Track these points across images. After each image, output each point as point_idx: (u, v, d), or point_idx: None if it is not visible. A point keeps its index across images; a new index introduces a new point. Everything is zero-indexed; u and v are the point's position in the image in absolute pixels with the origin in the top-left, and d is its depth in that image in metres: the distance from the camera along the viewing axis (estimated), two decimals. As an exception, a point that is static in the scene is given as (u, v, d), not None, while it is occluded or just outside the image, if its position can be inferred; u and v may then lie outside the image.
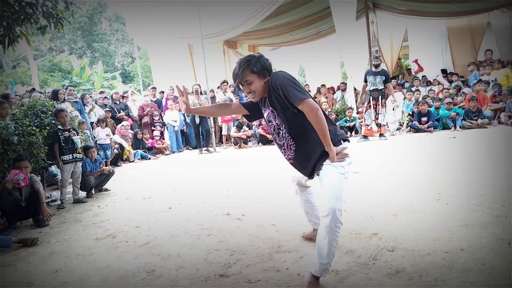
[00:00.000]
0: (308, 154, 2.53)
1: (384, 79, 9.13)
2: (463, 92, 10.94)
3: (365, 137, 9.47)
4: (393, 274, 2.49)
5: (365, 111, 9.48)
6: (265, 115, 2.62)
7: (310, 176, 2.64)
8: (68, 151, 5.66)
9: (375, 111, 9.27)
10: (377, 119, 9.29)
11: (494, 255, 2.60)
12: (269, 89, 2.48)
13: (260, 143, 10.82)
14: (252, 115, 2.81)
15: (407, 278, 2.43)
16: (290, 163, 2.69)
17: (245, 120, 11.07)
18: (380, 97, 9.19)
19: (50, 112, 5.90)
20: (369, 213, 3.73)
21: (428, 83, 13.10)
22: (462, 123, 9.60)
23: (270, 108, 2.55)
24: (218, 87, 12.14)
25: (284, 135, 2.57)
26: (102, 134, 8.95)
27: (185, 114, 11.26)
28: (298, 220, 3.46)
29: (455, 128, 9.55)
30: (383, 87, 9.14)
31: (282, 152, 2.68)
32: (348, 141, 2.61)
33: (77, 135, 5.75)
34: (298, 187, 2.99)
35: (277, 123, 2.57)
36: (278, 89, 2.39)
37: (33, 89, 12.81)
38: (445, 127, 9.87)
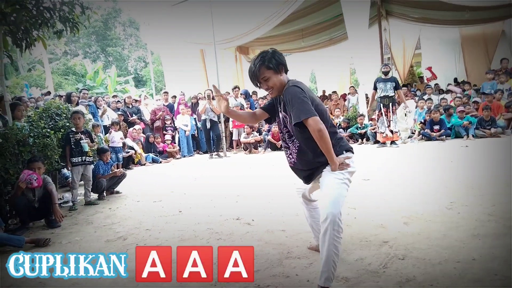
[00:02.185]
0: (309, 162, 2.57)
1: (394, 85, 9.14)
2: (474, 101, 10.80)
3: (384, 143, 9.44)
4: (404, 283, 2.48)
5: (378, 119, 9.46)
6: (280, 115, 2.66)
7: (307, 181, 2.70)
8: (77, 153, 5.73)
9: (387, 118, 9.24)
10: (390, 125, 9.26)
11: (506, 265, 2.57)
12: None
13: (269, 148, 10.82)
14: (272, 116, 2.83)
15: (418, 287, 2.42)
16: (290, 166, 2.73)
17: (255, 125, 11.10)
18: (390, 104, 9.18)
19: (65, 115, 6.00)
20: (380, 221, 3.71)
21: (441, 91, 13.00)
22: (475, 132, 9.49)
23: (283, 113, 2.59)
24: (229, 93, 12.19)
25: (291, 140, 2.63)
26: (117, 137, 9.05)
27: (196, 119, 11.32)
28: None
29: (468, 136, 9.45)
30: (393, 93, 9.14)
31: (286, 154, 2.72)
32: (352, 152, 2.61)
33: (85, 140, 5.77)
34: (303, 200, 2.99)
35: (287, 129, 2.62)
36: (288, 104, 2.44)
37: (49, 92, 13.02)
38: (458, 135, 9.77)
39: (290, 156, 2.66)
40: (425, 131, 10.00)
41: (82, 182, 5.98)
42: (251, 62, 2.57)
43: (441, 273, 2.56)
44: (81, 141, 5.72)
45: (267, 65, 2.46)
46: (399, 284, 2.47)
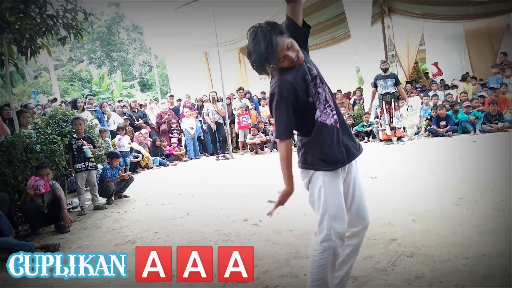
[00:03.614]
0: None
1: (394, 81, 9.17)
2: (481, 95, 10.73)
3: (390, 140, 9.41)
4: (413, 280, 2.47)
5: (380, 116, 9.47)
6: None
7: (351, 157, 2.19)
8: (80, 159, 5.76)
9: (389, 114, 9.25)
10: (392, 122, 9.26)
11: (516, 261, 2.55)
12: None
13: (275, 149, 10.81)
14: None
15: (427, 284, 2.41)
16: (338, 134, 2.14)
17: (260, 126, 11.11)
18: (392, 100, 9.19)
19: (71, 121, 6.05)
20: (387, 219, 3.70)
21: (446, 87, 12.92)
22: (482, 126, 9.42)
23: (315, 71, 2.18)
24: (234, 96, 12.20)
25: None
26: (125, 142, 9.12)
27: (202, 121, 11.35)
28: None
29: (475, 132, 9.38)
30: (394, 90, 9.16)
31: (330, 115, 2.12)
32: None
33: (87, 145, 5.80)
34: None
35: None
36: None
37: (55, 99, 13.12)
38: (464, 131, 9.70)
39: (334, 116, 2.13)
40: (432, 127, 9.94)
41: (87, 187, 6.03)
42: (251, 48, 2.09)
43: (450, 269, 2.55)
44: (84, 147, 5.75)
45: (281, 30, 2.03)
46: (408, 281, 2.47)
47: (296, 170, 2.27)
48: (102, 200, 6.13)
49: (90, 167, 5.88)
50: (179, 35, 13.87)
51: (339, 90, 14.07)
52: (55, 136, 5.51)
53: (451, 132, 9.64)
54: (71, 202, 6.17)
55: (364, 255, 2.94)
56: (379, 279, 2.55)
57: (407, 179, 5.42)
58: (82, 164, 5.78)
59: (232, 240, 3.66)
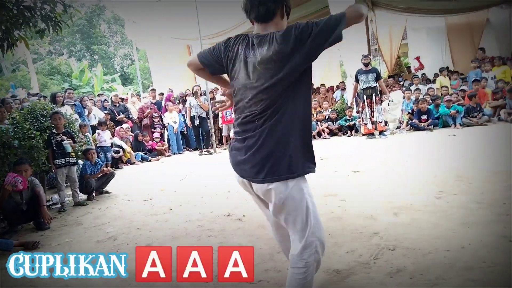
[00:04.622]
0: None
1: (375, 76, 9.25)
2: (462, 89, 10.92)
3: (372, 134, 9.49)
4: (394, 273, 2.50)
5: (362, 111, 9.54)
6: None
7: None
8: (60, 155, 5.65)
9: (370, 108, 9.33)
10: (373, 116, 9.34)
11: (495, 253, 2.60)
12: None
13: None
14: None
15: (408, 277, 2.44)
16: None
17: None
18: (373, 94, 9.27)
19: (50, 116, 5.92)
20: (369, 213, 3.73)
21: (428, 81, 13.08)
22: (462, 120, 9.59)
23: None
24: (217, 89, 12.12)
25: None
26: (106, 137, 8.97)
27: (185, 116, 11.24)
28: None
29: (455, 125, 9.54)
30: (376, 84, 9.24)
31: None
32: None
33: (67, 140, 5.67)
34: None
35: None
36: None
37: (37, 93, 12.82)
38: (445, 125, 9.86)
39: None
40: (413, 121, 10.07)
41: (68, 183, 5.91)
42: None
43: (431, 262, 2.58)
44: (63, 142, 5.62)
45: None
46: (389, 274, 2.49)
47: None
48: (82, 196, 6.03)
49: (71, 162, 5.77)
50: (161, 28, 13.70)
51: (322, 85, 14.12)
52: (34, 131, 5.37)
53: (432, 126, 9.79)
54: (51, 199, 6.05)
55: (347, 248, 2.96)
56: (361, 272, 2.57)
57: (388, 173, 5.47)
58: (62, 159, 5.66)
59: (215, 235, 3.63)
